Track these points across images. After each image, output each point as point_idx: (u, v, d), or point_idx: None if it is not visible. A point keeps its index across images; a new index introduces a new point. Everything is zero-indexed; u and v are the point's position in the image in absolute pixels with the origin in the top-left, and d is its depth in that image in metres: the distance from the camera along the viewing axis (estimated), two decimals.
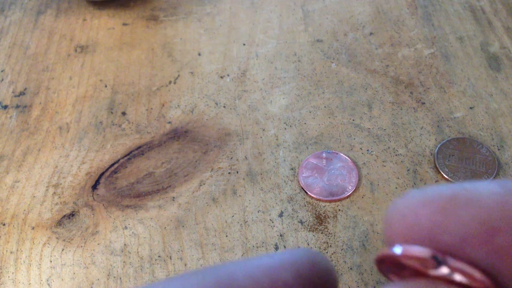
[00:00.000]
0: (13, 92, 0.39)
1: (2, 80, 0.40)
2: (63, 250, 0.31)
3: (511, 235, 0.11)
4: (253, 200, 0.32)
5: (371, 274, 0.29)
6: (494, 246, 0.11)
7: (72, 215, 0.32)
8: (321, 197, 0.32)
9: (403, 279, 0.12)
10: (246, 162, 0.34)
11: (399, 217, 0.12)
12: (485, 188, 0.12)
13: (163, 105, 0.37)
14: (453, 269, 0.11)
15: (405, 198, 0.12)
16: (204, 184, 0.33)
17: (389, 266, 0.12)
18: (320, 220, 0.31)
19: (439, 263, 0.11)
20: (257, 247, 0.30)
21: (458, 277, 0.11)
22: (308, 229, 0.31)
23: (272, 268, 0.14)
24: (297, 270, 0.14)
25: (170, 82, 0.39)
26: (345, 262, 0.29)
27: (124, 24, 0.43)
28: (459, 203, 0.12)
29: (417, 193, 0.12)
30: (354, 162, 0.33)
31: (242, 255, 0.30)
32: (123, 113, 0.37)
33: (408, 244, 0.12)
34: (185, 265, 0.30)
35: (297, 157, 0.34)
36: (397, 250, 0.12)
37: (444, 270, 0.11)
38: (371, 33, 0.41)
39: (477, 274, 0.11)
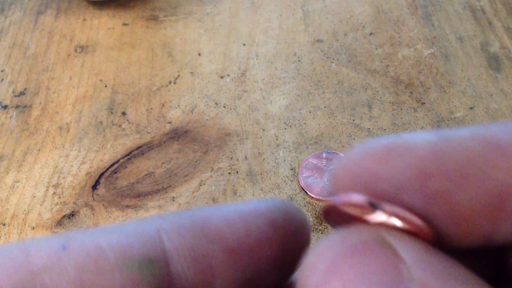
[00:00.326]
0: (13, 92, 0.39)
1: (2, 80, 0.40)
2: None
3: (444, 180, 0.12)
4: None
5: None
6: (428, 191, 0.12)
7: (72, 215, 0.32)
8: (321, 197, 0.32)
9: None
10: (246, 162, 0.34)
11: (342, 169, 0.13)
12: (420, 137, 0.12)
13: (163, 105, 0.37)
14: (389, 214, 0.12)
15: (350, 152, 0.13)
16: (204, 184, 0.33)
17: (335, 217, 0.13)
18: (320, 220, 0.31)
19: (375, 208, 0.12)
20: None
21: (395, 222, 0.12)
22: None
23: (248, 214, 0.15)
24: (271, 218, 0.15)
25: (170, 82, 0.39)
26: None
27: (124, 24, 0.43)
28: (395, 152, 0.12)
29: (360, 145, 0.13)
30: None
31: None
32: (123, 113, 0.37)
33: (347, 193, 0.13)
34: None
35: (297, 157, 0.34)
36: (336, 199, 0.12)
37: (380, 215, 0.12)
38: (371, 33, 0.41)
39: (412, 218, 0.12)
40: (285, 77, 0.39)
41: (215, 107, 0.37)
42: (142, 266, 0.14)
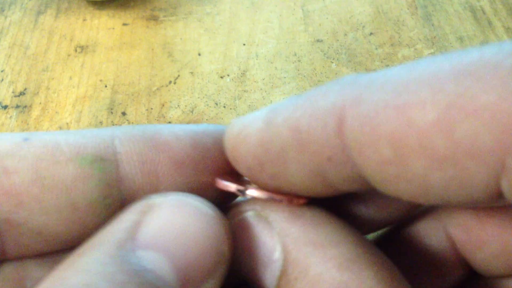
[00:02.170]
0: (13, 92, 0.39)
1: (2, 80, 0.40)
2: None
3: (272, 165, 0.14)
4: None
5: None
6: (267, 174, 0.15)
7: None
8: None
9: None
10: None
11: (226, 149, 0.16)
12: (252, 126, 0.15)
13: (163, 105, 0.37)
14: (251, 195, 0.15)
15: (226, 133, 0.16)
16: None
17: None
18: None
19: (243, 193, 0.15)
20: None
21: (254, 194, 0.15)
22: None
23: (196, 132, 0.17)
24: (218, 139, 0.17)
25: (170, 82, 0.39)
26: None
27: (124, 24, 0.43)
28: (240, 140, 0.15)
29: (227, 129, 0.16)
30: None
31: None
32: (123, 113, 0.37)
33: (225, 181, 0.16)
34: None
35: None
36: (219, 184, 0.16)
37: (248, 195, 0.16)
38: (371, 33, 0.41)
39: (263, 194, 0.15)
40: (285, 77, 0.39)
41: (215, 107, 0.37)
42: (94, 162, 0.15)
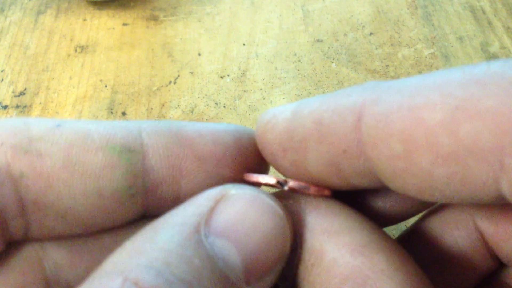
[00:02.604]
0: (13, 92, 0.39)
1: (2, 80, 0.40)
2: None
3: (294, 152, 0.15)
4: None
5: None
6: (288, 160, 0.16)
7: None
8: None
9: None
10: None
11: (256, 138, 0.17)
12: (282, 114, 0.16)
13: (163, 105, 0.37)
14: (291, 188, 0.16)
15: (257, 122, 0.17)
16: None
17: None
18: None
19: (282, 185, 0.16)
20: None
21: (295, 186, 0.16)
22: None
23: (217, 130, 0.18)
24: (238, 137, 0.18)
25: (170, 82, 0.39)
26: None
27: (124, 24, 0.43)
28: (268, 128, 0.16)
29: (259, 119, 0.17)
30: None
31: None
32: (123, 113, 0.37)
33: (261, 175, 0.17)
34: None
35: None
36: (251, 178, 0.17)
37: (287, 187, 0.16)
38: (371, 33, 0.41)
39: (304, 185, 0.16)
40: (285, 77, 0.39)
41: (215, 107, 0.37)
42: (121, 152, 0.16)
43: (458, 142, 0.12)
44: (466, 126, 0.12)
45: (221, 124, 0.18)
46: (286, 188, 0.17)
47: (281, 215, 0.15)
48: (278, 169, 0.17)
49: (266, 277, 0.14)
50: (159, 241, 0.13)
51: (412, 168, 0.13)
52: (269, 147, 0.16)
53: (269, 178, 0.17)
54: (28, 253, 0.17)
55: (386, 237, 0.15)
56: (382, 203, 0.18)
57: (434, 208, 0.20)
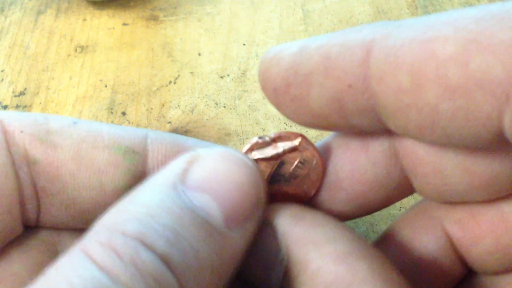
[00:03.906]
0: (13, 92, 0.39)
1: (2, 80, 0.40)
2: None
3: (298, 87, 0.15)
4: None
5: None
6: (291, 95, 0.16)
7: None
8: None
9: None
10: None
11: (258, 72, 0.17)
12: (290, 48, 0.16)
13: (163, 105, 0.37)
14: (274, 144, 0.18)
15: (262, 57, 0.17)
16: None
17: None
18: None
19: (263, 138, 0.17)
20: None
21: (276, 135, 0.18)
22: None
23: (215, 146, 0.19)
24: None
25: (170, 82, 0.39)
26: None
27: (124, 24, 0.43)
28: (273, 62, 0.16)
29: (264, 54, 0.17)
30: None
31: None
32: (123, 113, 0.37)
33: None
34: None
35: None
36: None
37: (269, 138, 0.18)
38: None
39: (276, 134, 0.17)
40: None
41: (215, 107, 0.37)
42: (126, 153, 0.18)
43: (468, 75, 0.12)
44: (478, 59, 0.12)
45: (227, 148, 0.20)
46: (267, 139, 0.17)
47: (251, 166, 0.16)
48: (278, 106, 0.17)
49: (246, 223, 0.15)
50: (140, 200, 0.14)
51: (418, 102, 0.13)
52: (272, 82, 0.16)
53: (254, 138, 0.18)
54: (43, 236, 0.18)
55: (368, 245, 0.16)
56: (345, 197, 0.19)
57: (403, 214, 0.20)
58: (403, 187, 0.18)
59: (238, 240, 0.15)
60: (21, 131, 0.17)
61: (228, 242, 0.15)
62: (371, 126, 0.15)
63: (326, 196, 0.18)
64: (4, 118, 0.17)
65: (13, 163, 0.17)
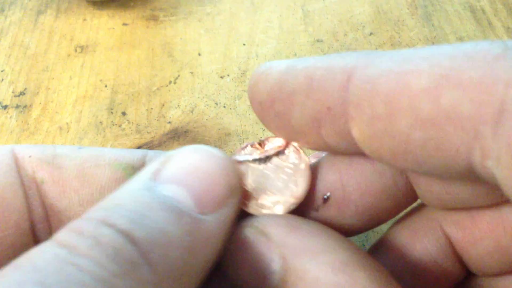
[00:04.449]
0: (13, 92, 0.39)
1: (2, 80, 0.40)
2: None
3: (282, 104, 0.16)
4: None
5: None
6: (275, 110, 0.17)
7: None
8: None
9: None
10: None
11: (248, 89, 0.18)
12: (278, 65, 0.17)
13: (163, 105, 0.37)
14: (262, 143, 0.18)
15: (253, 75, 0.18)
16: None
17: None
18: None
19: (252, 145, 0.19)
20: None
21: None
22: None
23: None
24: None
25: (170, 82, 0.39)
26: None
27: (124, 24, 0.43)
28: (262, 78, 0.17)
29: (255, 69, 0.18)
30: None
31: None
32: (123, 113, 0.37)
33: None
34: None
35: None
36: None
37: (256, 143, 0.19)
38: (371, 33, 0.41)
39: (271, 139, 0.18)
40: None
41: (215, 107, 0.37)
42: (126, 169, 0.19)
43: (438, 108, 0.13)
44: (448, 94, 0.12)
45: None
46: (256, 142, 0.18)
47: (220, 156, 0.17)
48: (263, 119, 0.18)
49: (221, 209, 0.16)
50: (113, 196, 0.15)
51: (391, 130, 0.14)
52: (259, 96, 0.17)
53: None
54: None
55: (366, 255, 0.16)
56: (353, 210, 0.19)
57: (402, 216, 0.20)
58: (410, 195, 0.18)
59: (213, 224, 0.16)
60: (30, 156, 0.19)
61: (202, 226, 0.15)
62: (347, 149, 0.16)
63: (335, 212, 0.18)
64: (15, 147, 0.19)
65: (22, 183, 0.18)
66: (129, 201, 0.15)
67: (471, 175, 0.13)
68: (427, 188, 0.17)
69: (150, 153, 0.20)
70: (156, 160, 0.17)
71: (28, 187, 0.18)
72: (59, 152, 0.19)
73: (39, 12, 0.45)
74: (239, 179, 0.17)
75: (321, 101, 0.15)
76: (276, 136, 0.18)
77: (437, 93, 0.13)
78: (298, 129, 0.16)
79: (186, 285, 0.15)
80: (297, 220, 0.17)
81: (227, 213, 0.16)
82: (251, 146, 0.19)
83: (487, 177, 0.13)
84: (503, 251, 0.17)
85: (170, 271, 0.14)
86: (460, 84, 0.12)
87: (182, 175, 0.16)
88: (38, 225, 0.18)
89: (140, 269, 0.13)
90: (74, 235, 0.13)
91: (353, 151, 0.16)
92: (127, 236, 0.13)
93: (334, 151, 0.18)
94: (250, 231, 0.17)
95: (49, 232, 0.19)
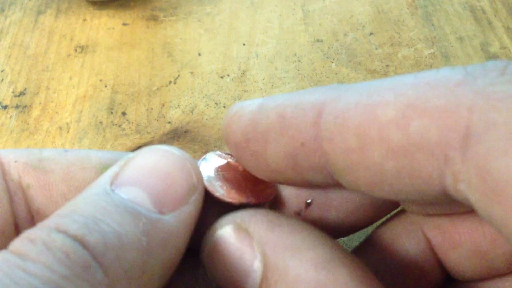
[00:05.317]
0: (13, 92, 0.39)
1: (2, 80, 0.40)
2: None
3: (256, 143, 0.16)
4: None
5: None
6: (250, 150, 0.17)
7: None
8: None
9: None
10: None
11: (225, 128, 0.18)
12: (249, 106, 0.17)
13: (163, 105, 0.37)
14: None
15: (228, 115, 0.18)
16: None
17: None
18: None
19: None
20: None
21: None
22: None
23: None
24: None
25: (170, 82, 0.39)
26: None
27: (124, 24, 0.43)
28: (234, 119, 0.17)
29: (228, 110, 0.18)
30: None
31: None
32: (123, 113, 0.37)
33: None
34: None
35: None
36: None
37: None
38: (371, 33, 0.41)
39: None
40: (285, 77, 0.39)
41: (215, 107, 0.37)
42: None
43: (407, 137, 0.13)
44: (416, 122, 0.13)
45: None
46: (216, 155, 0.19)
47: (179, 155, 0.17)
48: (239, 159, 0.18)
49: (181, 207, 0.16)
50: (69, 205, 0.15)
51: (364, 161, 0.14)
52: (233, 137, 0.17)
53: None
54: None
55: (347, 253, 0.16)
56: (336, 214, 0.19)
57: (386, 218, 0.20)
58: (392, 202, 0.19)
59: (173, 223, 0.16)
60: (15, 161, 0.18)
61: (159, 225, 0.15)
62: (324, 182, 0.16)
63: (317, 217, 0.19)
64: (0, 152, 0.19)
65: (7, 189, 0.18)
66: (85, 206, 0.15)
67: (447, 199, 0.13)
68: (408, 202, 0.18)
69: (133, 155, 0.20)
70: (116, 164, 0.17)
71: (13, 193, 0.18)
72: (45, 156, 0.19)
73: (39, 12, 0.45)
74: (199, 175, 0.17)
75: (294, 137, 0.15)
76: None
77: (405, 122, 0.13)
78: (275, 167, 0.16)
79: (148, 285, 0.14)
80: (278, 217, 0.17)
81: (187, 210, 0.16)
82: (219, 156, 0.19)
83: (461, 199, 0.13)
84: (481, 256, 0.18)
85: (125, 272, 0.14)
86: (426, 112, 0.13)
87: (139, 177, 0.16)
88: (23, 230, 0.18)
89: (92, 271, 0.13)
90: (26, 242, 0.13)
91: (331, 184, 0.16)
92: (79, 240, 0.13)
93: (313, 186, 0.18)
94: (229, 228, 0.17)
95: None
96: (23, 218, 0.18)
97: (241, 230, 0.16)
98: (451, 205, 0.17)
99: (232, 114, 0.18)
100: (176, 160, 0.17)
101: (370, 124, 0.14)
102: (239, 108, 0.17)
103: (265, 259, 0.15)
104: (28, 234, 0.14)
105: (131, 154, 0.17)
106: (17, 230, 0.18)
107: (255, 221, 0.16)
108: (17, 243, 0.13)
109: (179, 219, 0.16)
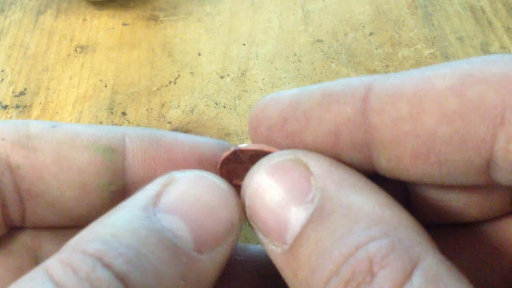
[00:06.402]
0: (13, 92, 0.39)
1: (2, 80, 0.40)
2: None
3: (295, 123, 0.16)
4: None
5: None
6: (286, 131, 0.17)
7: None
8: None
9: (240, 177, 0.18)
10: None
11: (250, 116, 0.18)
12: (289, 92, 0.17)
13: (163, 105, 0.37)
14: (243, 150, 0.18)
15: (259, 103, 0.18)
16: None
17: (231, 167, 0.18)
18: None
19: (235, 152, 0.17)
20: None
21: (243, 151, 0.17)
22: None
23: (197, 141, 0.20)
24: (216, 150, 0.19)
25: (170, 82, 0.39)
26: None
27: (124, 24, 0.43)
28: (271, 103, 0.17)
29: (261, 99, 0.18)
30: None
31: None
32: (123, 113, 0.37)
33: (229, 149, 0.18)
34: None
35: None
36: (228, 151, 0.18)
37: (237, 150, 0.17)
38: (371, 33, 0.41)
39: (261, 147, 0.17)
40: (285, 77, 0.39)
41: (215, 107, 0.37)
42: (105, 152, 0.18)
43: (464, 102, 0.14)
44: (474, 88, 0.13)
45: (203, 137, 0.20)
46: (241, 147, 0.18)
47: (224, 189, 0.16)
48: (270, 142, 0.17)
49: (218, 247, 0.15)
50: (109, 221, 0.15)
51: (416, 129, 0.14)
52: (267, 120, 0.17)
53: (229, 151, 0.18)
54: (25, 239, 0.19)
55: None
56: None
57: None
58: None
59: (208, 264, 0.15)
60: (3, 139, 0.18)
61: (197, 266, 0.15)
62: (361, 164, 0.16)
63: None
64: None
65: None
66: (126, 232, 0.14)
67: (485, 176, 0.14)
68: (422, 199, 0.18)
69: (129, 131, 0.19)
70: (157, 181, 0.16)
71: (1, 173, 0.17)
72: (33, 132, 0.18)
73: (39, 12, 0.45)
74: (241, 214, 0.16)
75: (340, 113, 0.15)
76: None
77: (463, 89, 0.14)
78: (312, 147, 0.16)
79: None
80: (335, 160, 0.16)
81: (223, 251, 0.16)
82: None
83: (505, 166, 0.13)
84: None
85: None
86: (484, 79, 0.13)
87: (183, 205, 0.15)
88: (11, 208, 0.18)
89: None
90: (68, 273, 0.13)
91: (366, 168, 0.16)
92: (123, 280, 0.13)
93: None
94: (291, 158, 0.16)
95: (23, 215, 0.18)
96: (11, 198, 0.18)
97: (300, 163, 0.16)
98: (469, 196, 0.17)
99: (268, 100, 0.17)
100: (222, 196, 0.16)
101: (427, 92, 0.14)
102: (275, 95, 0.17)
103: (323, 192, 0.15)
104: (68, 259, 0.13)
105: (174, 173, 0.16)
106: (3, 209, 0.18)
107: (317, 159, 0.16)
108: (57, 270, 0.13)
109: (215, 260, 0.15)
